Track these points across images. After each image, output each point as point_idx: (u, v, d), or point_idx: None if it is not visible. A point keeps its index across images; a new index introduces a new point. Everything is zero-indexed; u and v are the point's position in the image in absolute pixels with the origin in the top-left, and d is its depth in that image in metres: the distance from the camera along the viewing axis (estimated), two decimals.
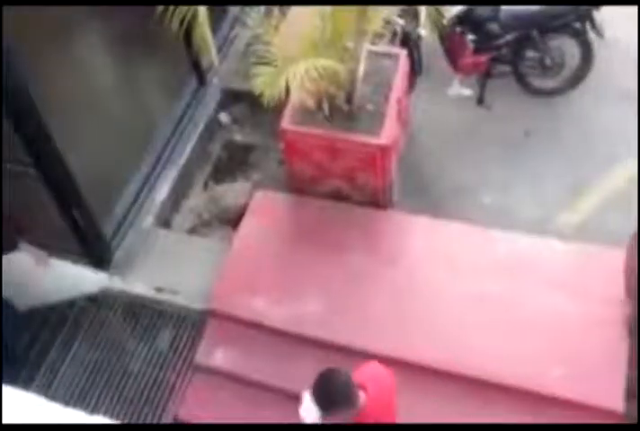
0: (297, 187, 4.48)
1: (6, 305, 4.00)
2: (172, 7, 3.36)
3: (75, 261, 4.22)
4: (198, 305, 4.15)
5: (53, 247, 4.11)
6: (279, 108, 3.90)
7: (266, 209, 4.44)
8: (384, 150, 4.10)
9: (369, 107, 4.15)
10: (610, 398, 3.48)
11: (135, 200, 4.47)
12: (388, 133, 4.09)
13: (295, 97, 4.07)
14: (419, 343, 3.77)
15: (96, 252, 4.25)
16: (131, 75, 4.33)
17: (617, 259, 3.84)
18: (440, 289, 3.98)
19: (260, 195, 4.52)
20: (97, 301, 4.34)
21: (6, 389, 2.27)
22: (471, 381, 3.64)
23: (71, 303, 4.34)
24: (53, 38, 3.56)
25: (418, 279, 4.04)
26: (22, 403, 2.29)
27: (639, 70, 4.74)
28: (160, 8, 3.39)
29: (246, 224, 4.37)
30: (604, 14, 4.58)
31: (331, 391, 2.59)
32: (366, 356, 3.73)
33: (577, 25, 4.57)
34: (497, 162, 4.65)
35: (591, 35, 4.60)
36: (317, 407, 2.60)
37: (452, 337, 3.76)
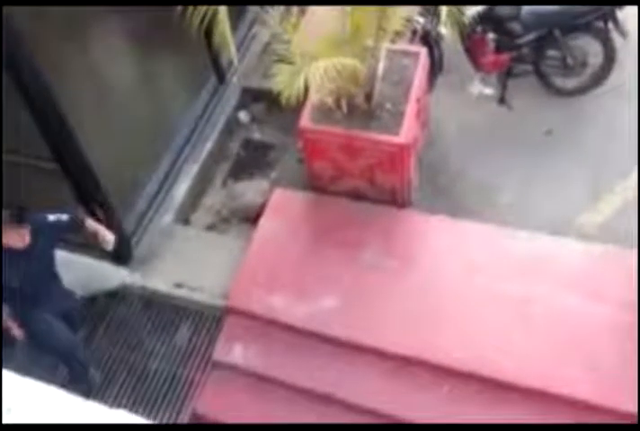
0: (316, 185, 4.48)
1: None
2: (192, 6, 3.39)
3: (96, 257, 4.27)
4: (216, 302, 4.17)
5: (74, 243, 4.16)
6: (298, 106, 3.90)
7: (284, 207, 4.45)
8: (403, 149, 4.08)
9: (389, 106, 4.14)
10: (625, 400, 3.44)
11: (155, 197, 4.51)
12: (407, 132, 4.07)
13: (314, 96, 4.07)
14: (436, 342, 3.75)
15: (117, 248, 4.28)
16: (151, 73, 4.37)
17: (634, 260, 3.79)
18: (458, 289, 3.96)
19: (278, 193, 4.53)
20: (117, 297, 4.39)
21: (26, 381, 2.30)
22: (487, 380, 3.62)
23: (91, 299, 4.39)
24: (74, 36, 3.60)
25: (436, 279, 4.02)
26: (45, 396, 2.31)
27: (639, 70, 4.66)
28: (180, 7, 3.42)
29: (265, 222, 4.39)
30: (627, 13, 4.52)
31: None
32: (382, 354, 3.76)
33: (599, 24, 4.51)
34: (517, 162, 4.60)
35: (614, 34, 4.54)
36: None
37: (469, 336, 3.74)
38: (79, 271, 4.23)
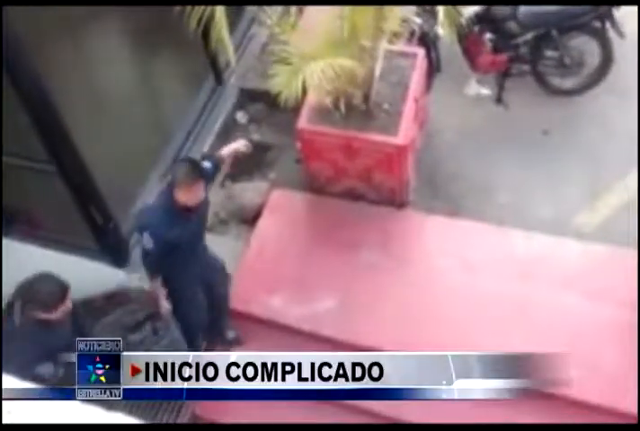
0: (314, 186, 4.48)
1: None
2: (189, 6, 3.38)
3: (92, 259, 4.25)
4: None
5: (71, 244, 4.15)
6: (296, 107, 3.90)
7: (283, 208, 4.45)
8: (401, 149, 4.09)
9: (386, 106, 4.14)
10: (626, 400, 3.45)
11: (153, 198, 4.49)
12: (405, 132, 4.07)
13: (312, 96, 4.07)
14: (434, 342, 3.74)
15: (114, 250, 4.27)
16: (149, 74, 4.36)
17: (634, 259, 3.80)
18: (456, 289, 3.97)
19: (277, 194, 4.53)
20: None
21: (26, 385, 2.30)
22: None
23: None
24: (70, 35, 3.59)
25: (434, 279, 4.03)
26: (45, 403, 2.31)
27: (639, 70, 4.66)
28: (178, 7, 3.41)
29: (263, 223, 4.39)
30: (624, 12, 4.53)
31: None
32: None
33: (597, 24, 4.52)
34: (515, 162, 4.61)
35: (611, 34, 4.55)
36: None
37: (467, 336, 3.74)
38: (75, 273, 4.20)
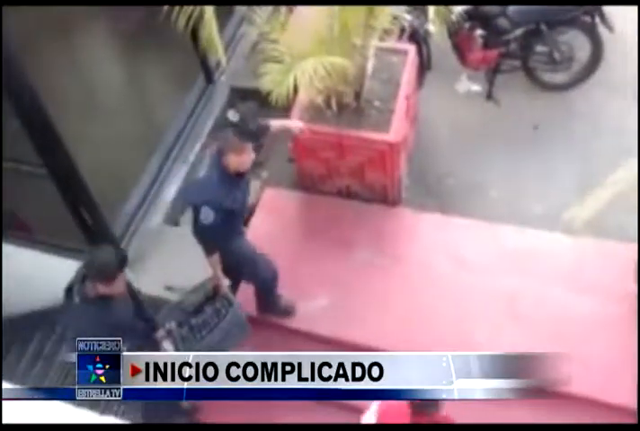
0: (307, 184, 4.47)
1: None
2: (178, 6, 3.36)
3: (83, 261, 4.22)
4: None
5: (62, 247, 4.12)
6: (287, 106, 3.88)
7: (276, 207, 4.44)
8: (393, 147, 4.08)
9: (378, 104, 4.13)
10: (623, 394, 3.47)
11: (144, 199, 4.47)
12: (397, 130, 4.07)
13: (303, 94, 4.06)
14: (428, 338, 3.76)
15: None
16: (139, 74, 4.33)
17: (628, 253, 3.83)
18: (449, 284, 3.98)
19: (270, 193, 4.52)
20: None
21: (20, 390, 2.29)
22: None
23: None
24: (60, 37, 3.57)
25: (427, 275, 4.04)
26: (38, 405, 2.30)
27: (639, 67, 4.68)
28: (167, 7, 3.39)
29: (256, 222, 4.37)
30: (613, 7, 4.55)
31: None
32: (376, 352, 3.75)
33: (586, 19, 4.54)
34: (506, 157, 4.63)
35: (601, 28, 4.57)
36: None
37: (461, 332, 3.76)
38: (65, 275, 4.18)
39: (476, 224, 4.23)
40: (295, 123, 3.76)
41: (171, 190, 4.59)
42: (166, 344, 3.33)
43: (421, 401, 2.66)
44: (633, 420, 3.44)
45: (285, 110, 4.11)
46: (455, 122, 4.86)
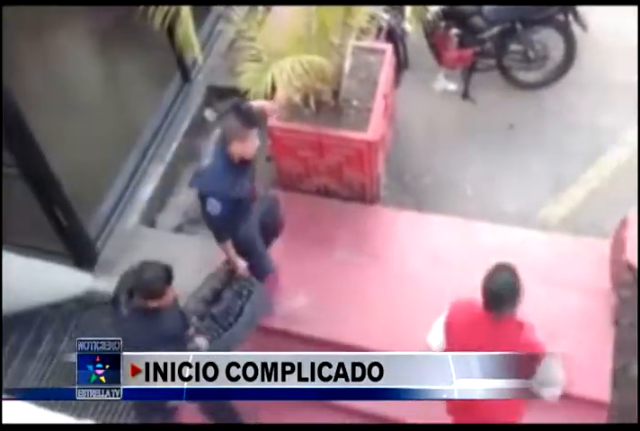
0: (285, 183, 4.46)
1: None
2: (154, 4, 3.32)
3: (59, 263, 4.16)
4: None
5: (36, 248, 4.05)
6: None
7: None
8: (371, 145, 4.09)
9: (356, 103, 4.14)
10: (597, 388, 3.52)
11: (120, 199, 4.42)
12: (375, 128, 4.08)
13: (281, 93, 4.04)
14: (410, 336, 3.77)
15: (81, 253, 4.20)
16: (114, 72, 4.28)
17: (603, 250, 3.88)
18: (426, 282, 4.00)
19: None
20: (83, 302, 4.28)
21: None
22: None
23: (56, 306, 4.28)
24: (33, 35, 3.50)
25: (404, 272, 4.05)
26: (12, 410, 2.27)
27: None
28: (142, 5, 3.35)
29: None
30: (585, 6, 4.62)
31: (501, 288, 2.61)
32: (359, 351, 3.75)
33: (560, 17, 4.60)
34: (482, 156, 4.67)
35: (574, 27, 4.63)
36: (485, 301, 2.62)
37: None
38: (42, 277, 4.12)
39: (453, 221, 4.26)
40: (268, 103, 3.63)
41: (147, 190, 4.55)
42: (199, 340, 3.27)
43: (496, 296, 2.63)
44: (604, 414, 3.51)
45: None
46: (431, 121, 4.89)
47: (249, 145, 3.16)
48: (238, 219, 3.37)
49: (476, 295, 3.87)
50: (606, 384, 3.54)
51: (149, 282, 2.86)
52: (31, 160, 3.60)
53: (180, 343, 3.05)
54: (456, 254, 4.10)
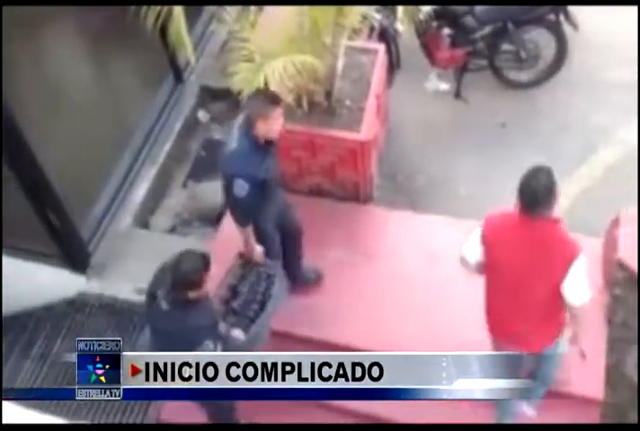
0: (278, 183, 4.45)
1: None
2: (147, 5, 3.31)
3: (52, 265, 4.14)
4: None
5: (29, 250, 4.03)
6: None
7: None
8: (364, 145, 4.09)
9: (349, 103, 4.14)
10: (590, 386, 3.53)
11: (112, 200, 4.41)
12: (368, 128, 4.08)
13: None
14: (403, 336, 3.77)
15: (73, 255, 4.18)
16: (107, 73, 4.27)
17: (594, 248, 3.89)
18: (420, 281, 4.00)
19: None
20: (75, 305, 4.27)
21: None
22: None
23: (49, 308, 4.26)
24: (25, 36, 3.48)
25: (398, 272, 4.05)
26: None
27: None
28: (135, 6, 3.34)
29: (227, 223, 4.33)
30: (576, 6, 4.64)
31: (537, 188, 2.73)
32: (353, 351, 3.75)
33: (551, 17, 4.63)
34: (474, 155, 4.69)
35: (565, 26, 4.66)
36: (521, 202, 2.76)
37: (435, 328, 3.78)
38: (34, 279, 4.10)
39: (446, 220, 4.27)
40: None
41: (140, 192, 4.53)
42: (236, 333, 3.25)
43: (531, 196, 2.74)
44: (598, 412, 3.52)
45: None
46: (424, 120, 4.90)
47: (274, 124, 3.19)
48: (262, 202, 3.37)
49: (468, 294, 3.90)
50: (600, 383, 3.55)
51: (189, 273, 2.84)
52: (22, 162, 3.59)
53: (216, 334, 3.02)
54: (449, 253, 4.10)
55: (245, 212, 3.35)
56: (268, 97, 3.20)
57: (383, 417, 3.62)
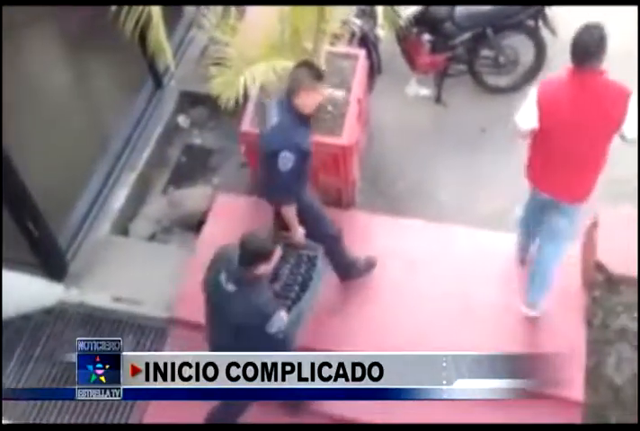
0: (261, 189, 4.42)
1: None
2: (125, 8, 3.27)
3: (29, 273, 4.07)
4: (159, 314, 4.05)
5: (6, 258, 3.95)
6: (238, 110, 3.84)
7: (228, 213, 4.38)
8: (345, 150, 4.10)
9: (330, 108, 4.14)
10: (571, 388, 3.54)
11: (91, 207, 4.36)
12: (349, 133, 4.09)
13: (254, 99, 4.02)
14: (386, 343, 3.77)
15: (51, 263, 4.12)
16: (85, 78, 4.23)
17: (573, 251, 3.93)
18: (402, 286, 4.01)
19: (221, 198, 4.45)
20: (54, 314, 4.20)
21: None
22: None
23: (27, 317, 4.18)
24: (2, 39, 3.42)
25: (380, 276, 4.05)
26: None
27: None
28: (113, 8, 3.30)
29: (209, 229, 4.30)
30: (556, 11, 4.69)
31: (589, 42, 3.03)
32: None
33: (530, 23, 4.67)
34: (454, 160, 4.71)
35: (544, 32, 4.71)
36: (574, 55, 3.06)
37: (414, 334, 3.78)
38: (11, 289, 4.02)
39: (427, 225, 4.29)
40: None
41: (119, 198, 4.48)
42: (280, 315, 3.13)
43: (583, 48, 3.01)
44: (579, 413, 3.54)
45: (236, 115, 4.07)
46: (405, 125, 4.92)
47: (315, 97, 3.25)
48: (303, 177, 3.40)
49: (448, 298, 3.91)
50: (580, 384, 3.58)
51: (261, 246, 2.87)
52: (0, 169, 3.52)
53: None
54: (431, 258, 4.12)
55: (290, 186, 3.36)
56: (313, 71, 3.24)
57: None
